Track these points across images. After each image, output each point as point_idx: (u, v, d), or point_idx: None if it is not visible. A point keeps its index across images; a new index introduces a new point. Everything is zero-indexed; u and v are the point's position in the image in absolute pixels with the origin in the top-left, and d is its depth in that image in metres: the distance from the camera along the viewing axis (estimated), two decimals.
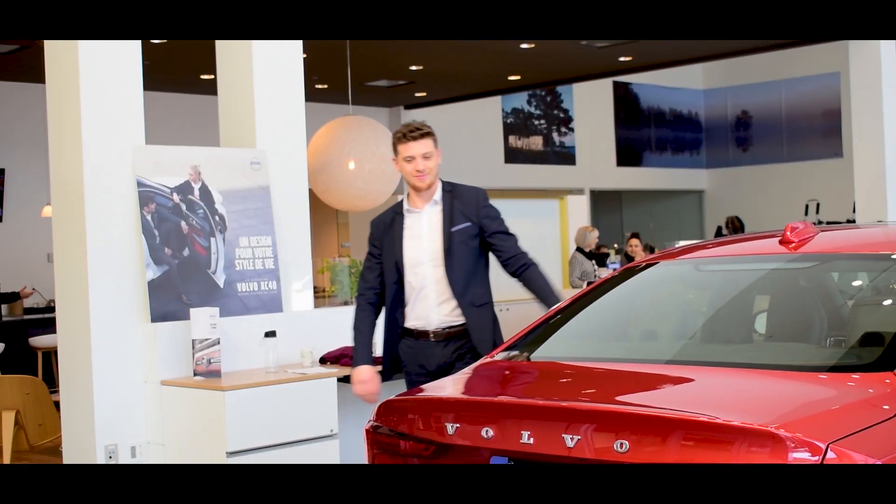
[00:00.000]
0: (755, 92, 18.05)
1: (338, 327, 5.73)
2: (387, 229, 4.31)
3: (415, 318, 4.24)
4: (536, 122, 16.42)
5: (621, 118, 17.65)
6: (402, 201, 4.35)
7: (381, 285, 4.30)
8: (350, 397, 5.85)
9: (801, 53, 14.61)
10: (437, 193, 4.28)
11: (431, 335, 4.21)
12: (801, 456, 2.18)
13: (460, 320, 4.20)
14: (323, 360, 5.54)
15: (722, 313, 3.61)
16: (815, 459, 2.16)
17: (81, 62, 4.97)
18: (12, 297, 10.46)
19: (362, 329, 4.30)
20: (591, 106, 17.06)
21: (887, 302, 3.28)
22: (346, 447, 5.28)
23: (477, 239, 4.25)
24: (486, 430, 2.64)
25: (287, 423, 4.82)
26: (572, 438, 2.47)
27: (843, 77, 15.79)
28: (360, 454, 3.12)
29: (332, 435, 5.03)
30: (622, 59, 12.27)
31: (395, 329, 4.29)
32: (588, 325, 3.59)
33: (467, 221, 4.23)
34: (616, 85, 17.41)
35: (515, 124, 16.15)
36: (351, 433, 5.47)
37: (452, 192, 4.29)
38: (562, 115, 16.76)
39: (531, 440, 2.55)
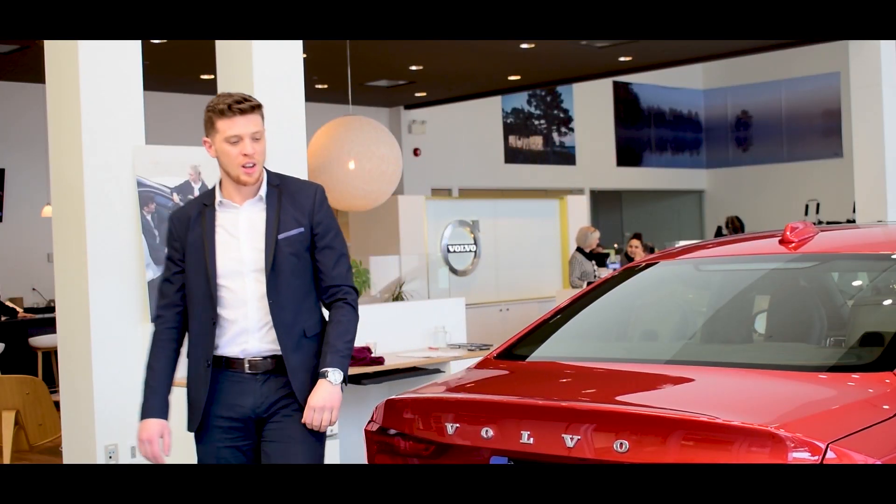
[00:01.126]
0: (755, 92, 18.05)
1: None
2: (191, 225, 3.22)
3: (227, 343, 3.19)
4: (536, 122, 16.42)
5: (621, 118, 17.65)
6: (212, 190, 3.27)
7: (183, 302, 3.24)
8: (350, 397, 5.85)
9: (801, 53, 14.61)
10: (263, 188, 3.22)
11: (247, 365, 3.17)
12: (801, 456, 2.18)
13: (279, 351, 3.20)
14: None
15: (722, 313, 3.61)
16: (815, 459, 2.16)
17: (81, 62, 4.97)
18: (10, 313, 10.47)
19: (156, 366, 3.21)
20: (591, 106, 17.06)
21: (887, 302, 3.28)
22: (346, 447, 5.28)
23: (309, 252, 3.24)
24: (486, 430, 2.64)
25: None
26: (572, 438, 2.47)
27: (843, 77, 15.80)
28: (360, 454, 3.12)
29: (332, 435, 5.03)
30: (622, 59, 12.27)
31: (201, 361, 3.20)
32: (588, 325, 3.59)
33: (299, 227, 3.20)
34: (616, 85, 17.41)
35: (515, 124, 16.15)
36: (351, 433, 5.47)
37: (281, 188, 3.24)
38: (562, 115, 16.76)
39: (531, 440, 2.55)
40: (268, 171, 3.25)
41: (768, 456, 2.20)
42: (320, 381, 3.12)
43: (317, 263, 3.23)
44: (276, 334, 3.16)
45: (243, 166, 3.14)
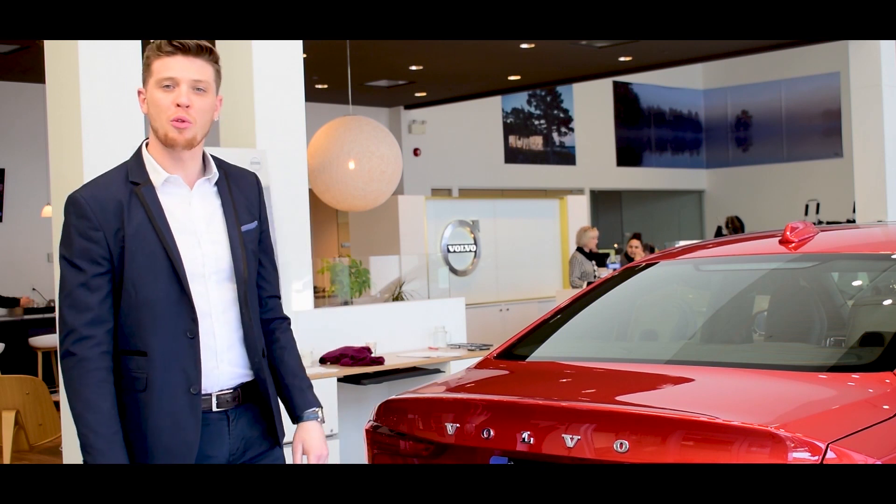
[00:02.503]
0: (755, 92, 18.06)
1: (338, 327, 5.74)
2: (121, 211, 2.45)
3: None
4: (536, 122, 16.43)
5: (621, 118, 17.66)
6: (137, 163, 2.51)
7: (111, 316, 2.45)
8: (350, 397, 5.86)
9: (801, 53, 14.62)
10: (212, 167, 2.56)
11: (214, 402, 2.51)
12: (801, 456, 2.18)
13: (250, 376, 2.58)
14: (323, 360, 5.55)
15: (722, 313, 3.61)
16: (815, 459, 2.16)
17: (81, 62, 4.97)
18: (12, 303, 10.50)
19: (103, 406, 2.39)
20: (591, 106, 17.07)
21: (887, 302, 3.28)
22: (346, 447, 5.28)
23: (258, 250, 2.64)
24: (487, 431, 2.64)
25: (287, 423, 4.81)
26: (572, 438, 2.48)
27: (843, 77, 15.80)
28: (360, 454, 3.12)
29: (332, 435, 5.03)
30: (622, 59, 12.27)
31: (179, 389, 2.46)
32: (588, 325, 3.59)
33: (252, 220, 2.61)
34: (616, 85, 17.42)
35: (515, 124, 16.15)
36: (351, 433, 5.48)
37: (224, 169, 2.61)
38: (562, 115, 16.76)
39: (531, 440, 2.56)
40: (207, 153, 2.59)
41: (768, 456, 2.20)
42: (312, 424, 2.68)
43: (259, 269, 2.64)
44: (248, 355, 2.55)
45: (173, 120, 2.42)
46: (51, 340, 9.66)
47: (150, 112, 2.47)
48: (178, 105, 2.42)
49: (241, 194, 2.60)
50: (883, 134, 9.68)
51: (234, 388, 2.54)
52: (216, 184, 2.56)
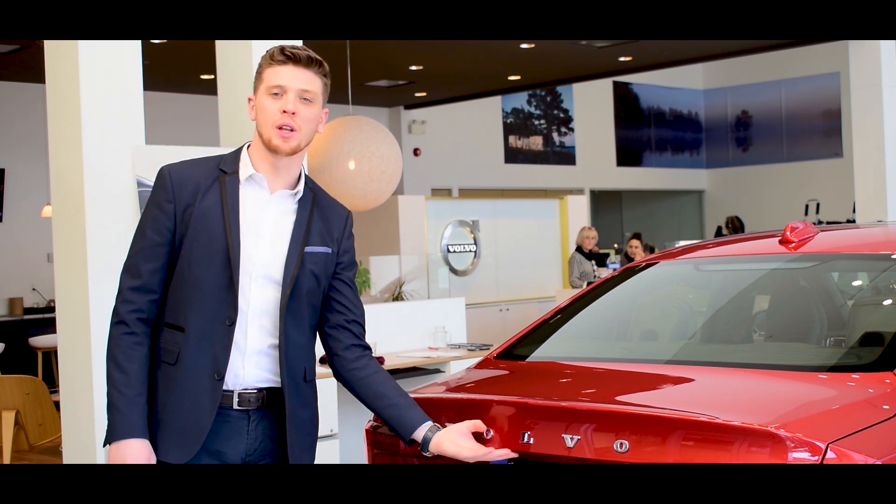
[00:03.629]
0: (755, 92, 18.06)
1: None
2: (198, 190, 2.54)
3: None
4: (536, 122, 16.43)
5: (621, 118, 17.66)
6: (234, 156, 2.63)
7: (161, 289, 2.54)
8: (350, 397, 5.84)
9: (801, 53, 14.63)
10: (301, 183, 2.63)
11: (236, 399, 2.53)
12: (801, 456, 2.18)
13: (277, 382, 2.58)
14: (323, 360, 5.54)
15: (722, 313, 3.61)
16: (815, 459, 2.16)
17: (81, 62, 4.96)
18: None
19: (130, 368, 2.48)
20: (591, 106, 17.07)
21: (887, 302, 3.28)
22: (346, 447, 5.28)
23: (328, 279, 2.65)
24: (486, 431, 2.64)
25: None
26: (572, 438, 2.47)
27: (843, 77, 15.80)
28: (360, 454, 3.12)
29: (332, 435, 5.03)
30: (622, 59, 12.27)
31: (205, 372, 2.51)
32: (588, 325, 3.59)
33: (326, 246, 2.63)
34: (616, 85, 17.42)
35: (515, 124, 16.15)
36: (351, 433, 5.47)
37: (316, 195, 2.67)
38: (562, 115, 16.76)
39: (531, 440, 2.55)
40: (304, 174, 2.67)
41: (768, 456, 2.20)
42: (442, 433, 2.58)
43: (334, 295, 2.65)
44: (280, 363, 2.54)
45: (279, 127, 2.49)
46: (51, 340, 9.66)
47: (257, 118, 2.55)
48: (285, 111, 2.49)
49: (323, 221, 2.64)
50: (883, 134, 9.68)
51: (259, 391, 2.55)
52: (299, 201, 2.61)
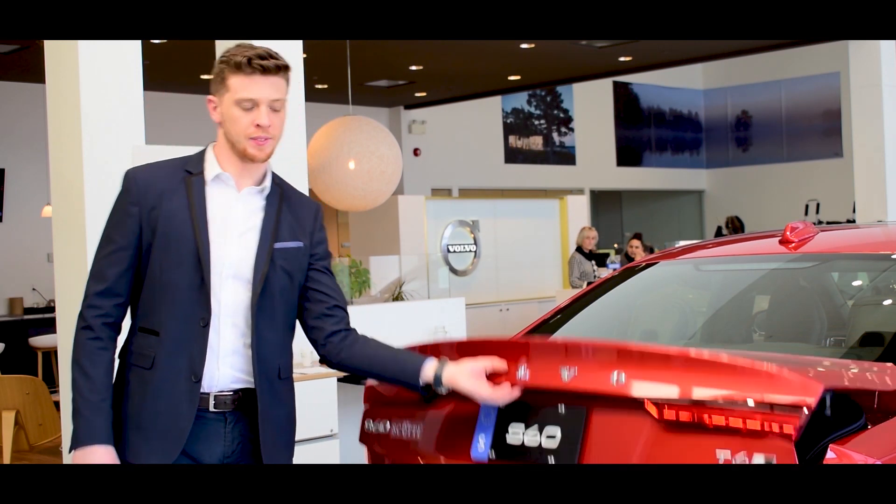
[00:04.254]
0: (755, 92, 18.07)
1: None
2: (167, 196, 2.50)
3: None
4: (536, 122, 16.43)
5: (621, 118, 17.66)
6: (199, 157, 2.59)
7: (127, 293, 2.51)
8: (350, 397, 5.85)
9: (801, 53, 14.63)
10: (268, 180, 2.61)
11: (212, 402, 2.50)
12: (797, 399, 2.13)
13: (252, 383, 2.53)
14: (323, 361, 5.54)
15: (722, 313, 3.61)
16: (811, 403, 2.11)
17: (81, 62, 4.96)
18: None
19: (94, 374, 2.45)
20: (591, 106, 17.08)
21: (887, 302, 3.28)
22: (346, 447, 5.28)
23: (303, 274, 2.62)
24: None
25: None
26: (569, 370, 2.44)
27: (843, 77, 15.80)
28: (360, 454, 3.12)
29: (332, 435, 5.03)
30: (622, 59, 12.27)
31: (181, 375, 2.47)
32: (588, 325, 3.59)
33: (297, 241, 2.60)
34: (616, 85, 17.43)
35: (515, 124, 16.15)
36: (351, 433, 5.47)
37: (283, 190, 2.65)
38: (562, 115, 16.76)
39: (527, 375, 2.50)
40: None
41: (762, 391, 2.16)
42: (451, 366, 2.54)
43: (312, 285, 2.62)
44: (253, 363, 2.51)
45: (252, 138, 2.49)
46: (51, 340, 9.66)
47: (227, 126, 2.51)
48: (259, 126, 2.48)
49: (292, 216, 2.61)
50: (883, 134, 9.68)
51: (234, 392, 2.52)
52: (267, 198, 2.58)
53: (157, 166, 2.57)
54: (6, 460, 6.55)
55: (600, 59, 12.16)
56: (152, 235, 2.47)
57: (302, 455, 4.79)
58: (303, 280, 2.63)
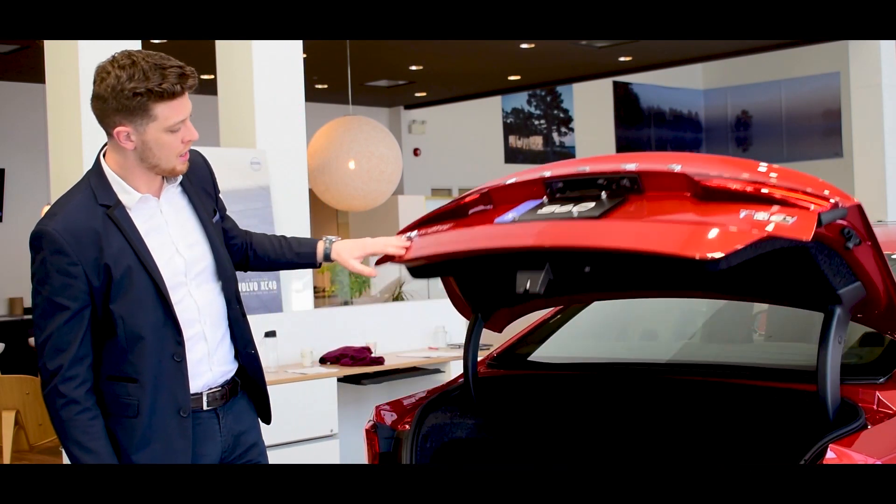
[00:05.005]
0: (755, 92, 18.06)
1: (338, 327, 5.74)
2: (98, 239, 2.37)
3: None
4: (536, 122, 16.43)
5: (621, 118, 17.66)
6: (102, 185, 2.45)
7: (90, 351, 2.40)
8: (350, 397, 5.86)
9: (801, 53, 14.62)
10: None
11: (206, 401, 2.52)
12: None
13: (234, 368, 2.60)
14: (323, 360, 5.55)
15: (722, 313, 3.61)
16: (812, 225, 2.09)
17: (81, 62, 4.96)
18: None
19: (99, 447, 2.38)
20: (591, 106, 17.07)
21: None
22: (346, 447, 5.28)
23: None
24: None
25: (287, 423, 4.82)
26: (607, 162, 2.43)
27: (843, 77, 15.80)
28: (360, 454, 3.12)
29: (332, 435, 5.03)
30: (622, 59, 12.27)
31: (168, 411, 2.44)
32: (588, 325, 3.59)
33: (211, 211, 2.61)
34: (616, 85, 17.42)
35: (515, 124, 16.15)
36: (351, 433, 5.48)
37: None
38: (562, 115, 16.76)
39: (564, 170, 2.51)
40: None
41: (808, 185, 2.15)
42: (338, 243, 2.78)
43: (227, 233, 2.68)
44: (240, 345, 2.57)
45: (180, 155, 2.42)
46: None
47: (148, 151, 2.39)
48: (188, 141, 2.43)
49: (199, 183, 2.57)
50: (883, 134, 9.69)
51: (222, 386, 2.55)
52: (180, 185, 2.53)
53: (70, 214, 2.40)
54: (6, 460, 6.55)
55: (600, 59, 12.16)
56: (105, 286, 2.36)
57: (302, 455, 4.81)
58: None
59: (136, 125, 2.35)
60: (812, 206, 2.10)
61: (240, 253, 2.73)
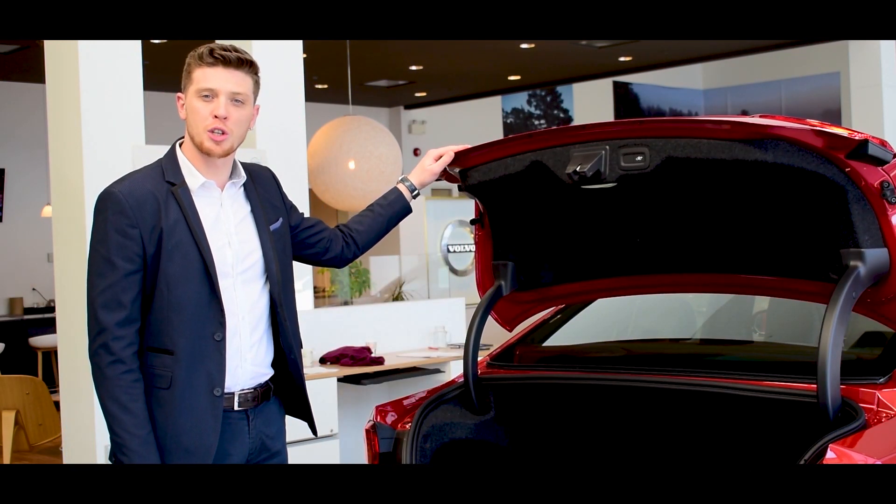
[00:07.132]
0: (755, 92, 18.06)
1: (338, 327, 5.74)
2: (159, 208, 2.46)
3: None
4: (536, 122, 16.42)
5: (621, 118, 17.65)
6: (172, 163, 2.54)
7: (140, 315, 2.46)
8: (350, 397, 5.86)
9: (801, 53, 14.62)
10: (240, 170, 2.62)
11: (237, 401, 2.56)
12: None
13: (269, 373, 2.64)
14: (323, 360, 5.55)
15: (722, 313, 3.61)
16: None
17: (81, 62, 4.96)
18: None
19: (135, 407, 2.42)
20: (591, 106, 17.06)
21: None
22: (346, 447, 5.29)
23: (290, 246, 2.73)
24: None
25: (287, 423, 4.81)
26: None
27: (843, 77, 15.79)
28: (360, 454, 3.12)
29: (332, 435, 5.03)
30: (622, 59, 12.27)
31: (201, 390, 2.48)
32: (588, 325, 3.59)
33: (279, 217, 2.67)
34: (616, 85, 17.41)
35: (515, 124, 16.14)
36: (351, 433, 5.48)
37: (250, 172, 2.68)
38: (562, 115, 16.75)
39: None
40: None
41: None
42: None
43: (312, 237, 2.78)
44: (277, 353, 2.62)
45: (210, 130, 2.47)
46: (51, 340, 9.66)
47: (188, 119, 2.51)
48: (216, 116, 2.46)
49: (266, 193, 2.66)
50: (883, 134, 9.68)
51: (255, 388, 2.58)
52: (243, 185, 2.62)
53: (137, 180, 2.49)
54: (6, 460, 6.55)
55: (600, 59, 12.16)
56: (157, 253, 2.43)
57: (302, 455, 4.81)
58: (291, 251, 2.72)
59: (184, 89, 2.51)
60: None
61: (336, 242, 2.82)
